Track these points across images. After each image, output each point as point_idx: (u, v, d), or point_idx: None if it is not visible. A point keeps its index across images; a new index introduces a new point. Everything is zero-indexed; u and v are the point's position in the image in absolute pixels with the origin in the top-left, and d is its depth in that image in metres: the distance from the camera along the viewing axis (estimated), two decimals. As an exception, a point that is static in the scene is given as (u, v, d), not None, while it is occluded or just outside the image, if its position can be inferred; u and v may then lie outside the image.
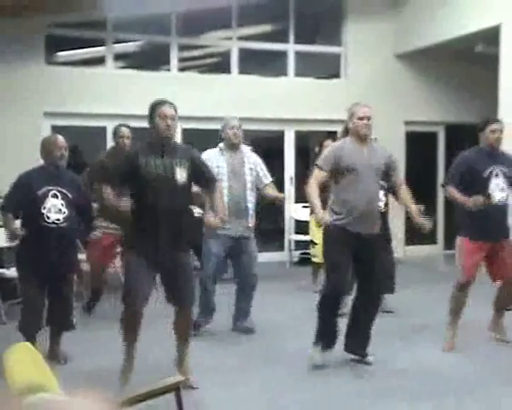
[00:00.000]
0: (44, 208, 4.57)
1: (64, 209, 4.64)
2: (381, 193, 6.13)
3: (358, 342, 4.87)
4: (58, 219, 4.60)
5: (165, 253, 4.12)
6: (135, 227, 4.19)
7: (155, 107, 4.17)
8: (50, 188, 4.62)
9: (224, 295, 5.92)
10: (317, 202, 4.57)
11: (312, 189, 4.61)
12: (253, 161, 5.75)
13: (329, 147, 4.76)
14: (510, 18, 7.85)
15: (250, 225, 5.67)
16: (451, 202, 5.38)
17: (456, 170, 5.21)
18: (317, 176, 4.63)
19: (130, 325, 4.21)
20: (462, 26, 8.62)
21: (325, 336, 4.76)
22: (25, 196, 4.61)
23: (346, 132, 4.80)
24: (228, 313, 5.90)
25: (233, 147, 5.67)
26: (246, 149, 5.83)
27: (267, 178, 5.80)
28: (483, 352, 5.20)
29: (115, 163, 4.41)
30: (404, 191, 4.86)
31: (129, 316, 4.18)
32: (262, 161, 5.90)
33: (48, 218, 4.58)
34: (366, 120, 4.66)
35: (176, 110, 4.22)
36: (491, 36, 8.11)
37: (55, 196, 4.62)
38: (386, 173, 4.77)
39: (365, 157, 4.62)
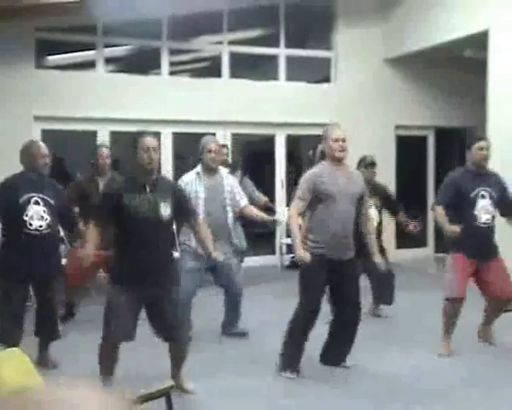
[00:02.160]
0: (27, 215, 4.55)
1: (46, 216, 4.61)
2: (374, 211, 6.18)
3: (336, 357, 4.91)
4: (41, 226, 4.58)
5: (150, 288, 4.06)
6: (119, 261, 4.12)
7: (137, 138, 4.09)
8: (33, 195, 4.59)
9: (209, 297, 5.91)
10: (298, 238, 4.56)
11: (294, 223, 4.58)
12: (230, 183, 5.65)
13: (307, 174, 4.67)
14: (498, 23, 7.91)
15: (234, 241, 5.68)
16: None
17: (444, 191, 5.27)
18: (298, 208, 4.60)
19: (108, 359, 4.16)
20: (451, 31, 8.67)
21: (294, 360, 4.73)
22: (7, 203, 4.58)
23: (323, 154, 4.79)
24: (217, 316, 5.89)
25: (211, 171, 5.55)
26: (223, 171, 5.74)
27: (243, 200, 5.68)
28: (475, 356, 5.23)
29: (100, 203, 4.31)
30: (366, 221, 4.89)
31: (107, 349, 4.14)
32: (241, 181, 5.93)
33: (30, 225, 4.56)
34: (341, 141, 4.61)
35: (157, 141, 4.21)
36: (480, 41, 8.17)
37: (37, 202, 4.59)
38: (358, 201, 4.75)
39: (342, 183, 4.61)
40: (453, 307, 5.18)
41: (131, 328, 4.07)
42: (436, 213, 5.24)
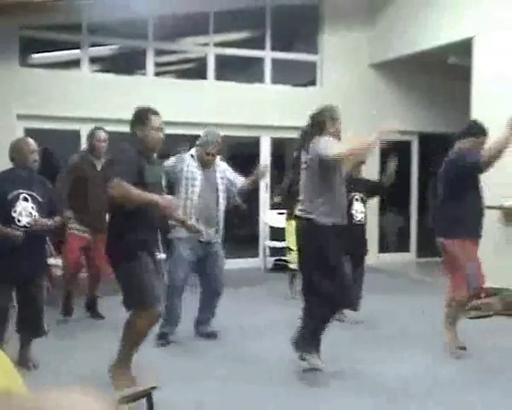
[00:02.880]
0: (15, 212, 4.52)
1: (34, 213, 4.58)
2: (361, 205, 6.19)
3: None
4: (29, 223, 4.55)
5: (154, 253, 4.25)
6: (133, 230, 4.03)
7: (148, 115, 4.08)
8: (21, 191, 4.56)
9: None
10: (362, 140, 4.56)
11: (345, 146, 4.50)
12: (222, 169, 5.73)
13: (326, 139, 4.53)
14: (482, 30, 7.98)
15: (219, 232, 5.69)
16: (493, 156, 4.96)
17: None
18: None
19: (148, 330, 4.16)
20: (436, 37, 8.74)
21: (317, 340, 4.67)
22: None
23: (319, 129, 4.64)
24: (190, 318, 5.86)
25: (207, 164, 5.61)
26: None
27: (239, 179, 5.77)
28: (461, 358, 5.26)
29: (127, 167, 4.01)
30: None
31: (152, 319, 4.13)
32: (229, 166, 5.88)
33: (19, 221, 4.52)
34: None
35: None
36: (464, 48, 8.24)
37: (25, 199, 4.57)
38: None
39: None
40: (464, 304, 5.21)
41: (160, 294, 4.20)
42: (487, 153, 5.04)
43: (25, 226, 4.53)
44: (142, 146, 4.07)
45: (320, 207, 4.49)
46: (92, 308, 6.43)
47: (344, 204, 4.71)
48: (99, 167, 6.18)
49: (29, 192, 4.59)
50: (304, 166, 4.66)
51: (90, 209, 6.05)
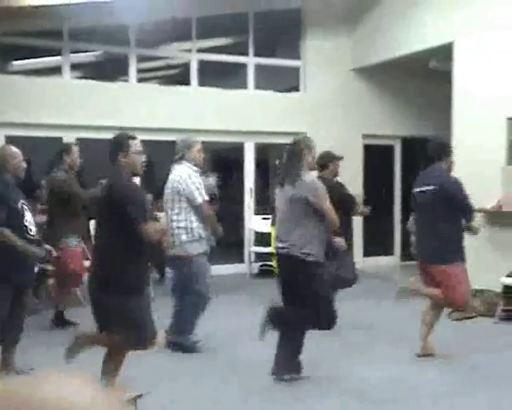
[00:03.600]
0: (26, 221, 4.50)
1: (33, 222, 4.60)
2: None
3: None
4: (34, 232, 4.56)
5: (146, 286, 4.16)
6: (132, 267, 3.93)
7: (128, 141, 4.02)
8: (23, 201, 4.55)
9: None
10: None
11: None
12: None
13: (318, 182, 4.73)
14: (463, 35, 8.04)
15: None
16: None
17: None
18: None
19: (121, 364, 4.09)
20: (417, 42, 8.80)
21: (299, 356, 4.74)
22: (7, 210, 4.46)
23: (298, 159, 4.73)
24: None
25: (198, 168, 5.59)
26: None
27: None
28: (441, 362, 5.28)
29: (139, 198, 4.00)
30: None
31: (125, 354, 4.06)
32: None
33: (30, 230, 4.52)
34: None
35: None
36: (445, 52, 8.30)
37: (27, 208, 4.58)
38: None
39: None
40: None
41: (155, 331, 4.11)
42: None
43: (33, 235, 4.53)
44: (126, 172, 4.03)
45: (305, 242, 4.54)
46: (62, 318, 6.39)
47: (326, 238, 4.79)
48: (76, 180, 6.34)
49: (25, 201, 4.59)
50: (287, 199, 4.69)
51: (75, 222, 6.19)
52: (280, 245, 4.71)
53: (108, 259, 3.94)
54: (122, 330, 3.90)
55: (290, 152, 4.76)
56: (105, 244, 4.00)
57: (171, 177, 5.45)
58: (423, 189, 5.26)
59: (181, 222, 5.22)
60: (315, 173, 4.92)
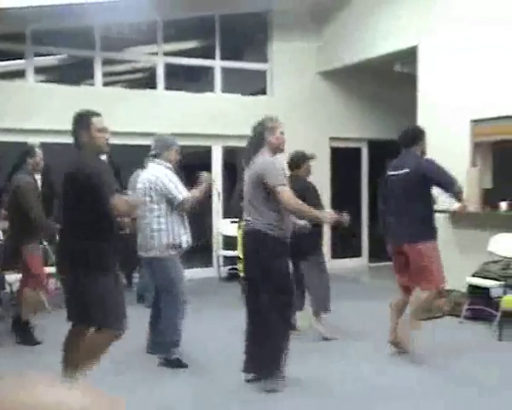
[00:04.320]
0: None
1: None
2: None
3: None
4: None
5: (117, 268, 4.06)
6: (104, 247, 3.87)
7: (89, 118, 3.91)
8: None
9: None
10: (311, 210, 4.57)
11: (298, 202, 4.47)
12: None
13: (276, 161, 4.56)
14: (427, 39, 8.17)
15: None
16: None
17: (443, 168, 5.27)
18: (290, 192, 4.47)
19: (103, 351, 3.97)
20: (382, 46, 8.91)
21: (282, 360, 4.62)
22: None
23: (259, 140, 4.67)
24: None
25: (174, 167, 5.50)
26: None
27: None
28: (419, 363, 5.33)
29: (108, 174, 3.86)
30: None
31: (112, 340, 3.95)
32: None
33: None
34: (283, 135, 4.74)
35: None
36: (409, 56, 8.41)
37: None
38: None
39: None
40: (436, 296, 5.35)
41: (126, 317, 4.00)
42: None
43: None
44: (89, 151, 3.91)
45: (271, 219, 4.48)
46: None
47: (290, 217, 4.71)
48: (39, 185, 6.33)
49: None
50: (246, 179, 4.66)
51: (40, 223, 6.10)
52: (245, 222, 4.69)
53: (78, 239, 3.85)
54: (97, 309, 3.83)
55: (253, 133, 4.75)
56: (73, 225, 3.90)
57: (144, 175, 5.29)
58: (396, 172, 5.33)
59: (162, 224, 5.08)
60: (281, 155, 4.74)
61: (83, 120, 3.91)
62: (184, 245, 5.18)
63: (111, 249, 3.92)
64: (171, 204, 5.08)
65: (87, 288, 3.82)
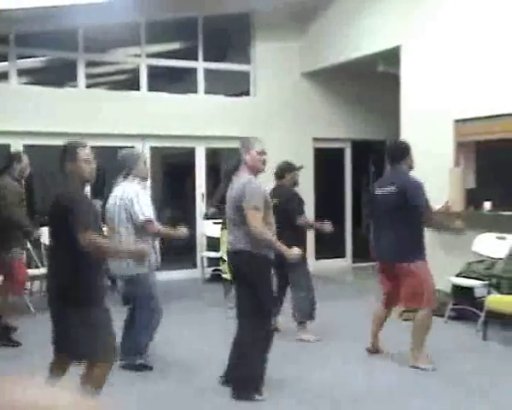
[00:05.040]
0: None
1: None
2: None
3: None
4: None
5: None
6: (92, 280, 3.83)
7: (76, 149, 3.91)
8: None
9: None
10: (277, 241, 4.50)
11: (267, 233, 4.43)
12: None
13: (252, 184, 4.49)
14: (409, 40, 8.22)
15: None
16: (436, 225, 5.55)
17: (424, 194, 5.19)
18: (259, 218, 4.42)
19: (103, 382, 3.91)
20: (365, 46, 8.94)
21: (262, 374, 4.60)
22: None
23: (237, 166, 4.68)
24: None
25: (143, 181, 5.51)
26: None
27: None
28: (389, 364, 5.35)
29: (83, 207, 3.83)
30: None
31: (108, 371, 3.92)
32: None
33: None
34: (264, 155, 4.65)
35: None
36: (392, 56, 8.45)
37: None
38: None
39: None
40: (431, 314, 5.27)
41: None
42: (434, 215, 5.38)
43: None
44: (75, 181, 3.92)
45: (253, 238, 4.45)
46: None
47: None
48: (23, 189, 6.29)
49: None
50: (229, 199, 4.65)
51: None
52: (228, 243, 4.70)
53: (63, 271, 3.83)
54: (88, 342, 3.77)
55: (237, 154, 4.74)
56: (58, 256, 3.91)
57: (116, 193, 5.24)
58: (384, 190, 5.31)
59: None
60: (252, 176, 4.59)
61: (69, 151, 3.93)
62: (153, 265, 5.19)
63: (95, 281, 3.88)
64: (135, 222, 5.08)
65: (78, 323, 3.77)
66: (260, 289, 4.49)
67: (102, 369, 3.86)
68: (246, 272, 4.53)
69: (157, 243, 5.37)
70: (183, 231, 5.41)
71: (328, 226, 6.40)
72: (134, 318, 5.28)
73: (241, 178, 4.54)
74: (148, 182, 7.22)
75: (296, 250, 4.65)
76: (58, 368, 4.00)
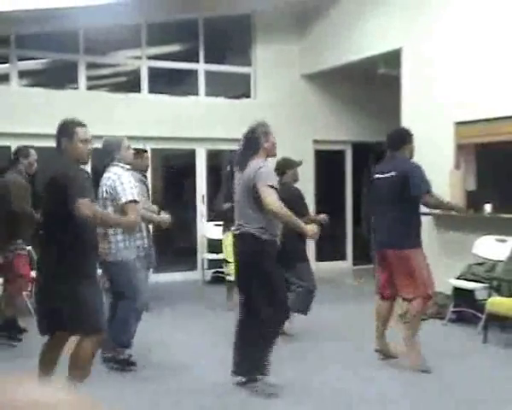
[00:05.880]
0: None
1: None
2: None
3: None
4: None
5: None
6: (83, 253, 3.84)
7: (74, 127, 3.89)
8: None
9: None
10: (295, 218, 4.53)
11: (284, 210, 4.45)
12: None
13: (268, 167, 4.59)
14: (410, 42, 8.22)
15: None
16: (436, 207, 5.51)
17: (426, 179, 5.16)
18: (275, 196, 4.46)
19: (92, 357, 3.97)
20: (365, 48, 8.94)
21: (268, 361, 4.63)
22: None
23: (255, 146, 4.68)
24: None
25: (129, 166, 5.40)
26: None
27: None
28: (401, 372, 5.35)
29: (83, 180, 3.83)
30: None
31: (100, 343, 3.95)
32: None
33: None
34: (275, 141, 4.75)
35: None
36: (393, 58, 8.46)
37: None
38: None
39: None
40: (427, 304, 5.25)
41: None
42: (435, 199, 5.33)
43: None
44: (71, 159, 3.89)
45: (261, 223, 4.49)
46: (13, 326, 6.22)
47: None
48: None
49: None
50: (239, 182, 4.67)
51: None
52: (235, 226, 4.71)
53: (57, 247, 3.82)
54: (77, 318, 3.79)
55: (246, 139, 4.74)
56: (53, 232, 3.88)
57: (102, 181, 5.17)
58: (382, 175, 5.28)
59: (119, 229, 5.01)
60: (272, 160, 4.75)
61: (67, 129, 3.90)
62: (141, 251, 5.18)
63: (88, 258, 3.90)
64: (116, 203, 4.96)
65: (68, 296, 3.79)
66: (270, 273, 4.49)
67: (92, 342, 3.88)
68: (254, 257, 4.52)
69: (151, 240, 5.32)
70: (165, 217, 5.40)
71: (323, 217, 6.41)
72: (115, 309, 5.23)
73: (256, 163, 4.55)
74: (149, 180, 7.28)
75: (314, 227, 4.67)
76: (52, 351, 4.01)
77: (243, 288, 4.74)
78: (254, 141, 4.68)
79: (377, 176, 5.37)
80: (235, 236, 4.77)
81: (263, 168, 4.51)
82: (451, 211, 5.34)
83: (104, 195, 4.99)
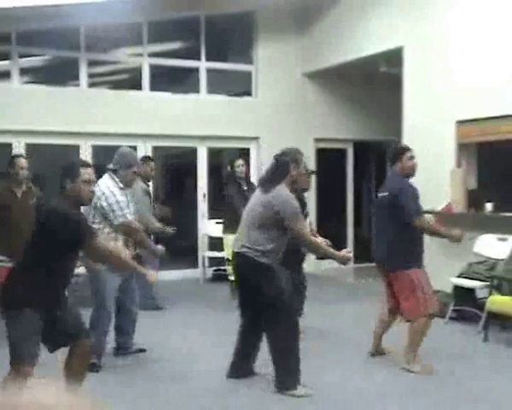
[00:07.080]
0: None
1: None
2: None
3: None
4: None
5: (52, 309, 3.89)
6: (37, 284, 3.74)
7: (77, 168, 3.89)
8: None
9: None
10: (326, 248, 4.74)
11: (317, 241, 4.71)
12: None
13: (290, 196, 4.55)
14: (412, 40, 8.21)
15: None
16: (430, 233, 5.43)
17: (417, 201, 5.11)
18: (307, 229, 4.65)
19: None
20: (367, 47, 8.93)
21: (298, 368, 4.64)
22: None
23: (282, 172, 4.65)
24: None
25: (131, 183, 5.47)
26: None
27: None
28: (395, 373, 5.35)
29: (85, 223, 3.96)
30: None
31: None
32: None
33: None
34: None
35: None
36: (395, 57, 8.45)
37: None
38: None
39: None
40: (430, 320, 5.17)
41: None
42: (426, 224, 5.30)
43: None
44: (72, 199, 3.89)
45: (263, 246, 4.52)
46: None
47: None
48: (19, 195, 6.10)
49: None
50: (256, 202, 4.66)
51: (12, 238, 5.74)
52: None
53: (19, 273, 3.85)
54: (9, 342, 3.77)
55: (277, 161, 4.71)
56: (24, 260, 3.88)
57: (96, 187, 5.20)
58: (380, 194, 5.29)
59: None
60: (285, 189, 4.62)
61: (71, 170, 3.91)
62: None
63: (46, 290, 3.79)
64: (109, 222, 5.10)
65: (10, 322, 3.78)
66: (272, 295, 4.51)
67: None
68: (255, 281, 4.58)
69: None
70: (159, 248, 5.48)
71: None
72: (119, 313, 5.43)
73: (285, 191, 4.55)
74: (151, 183, 7.53)
75: (348, 252, 4.87)
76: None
77: (244, 308, 4.85)
78: (283, 165, 4.66)
79: (378, 194, 5.41)
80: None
81: (291, 201, 4.52)
82: (446, 237, 5.35)
83: (98, 205, 5.06)
